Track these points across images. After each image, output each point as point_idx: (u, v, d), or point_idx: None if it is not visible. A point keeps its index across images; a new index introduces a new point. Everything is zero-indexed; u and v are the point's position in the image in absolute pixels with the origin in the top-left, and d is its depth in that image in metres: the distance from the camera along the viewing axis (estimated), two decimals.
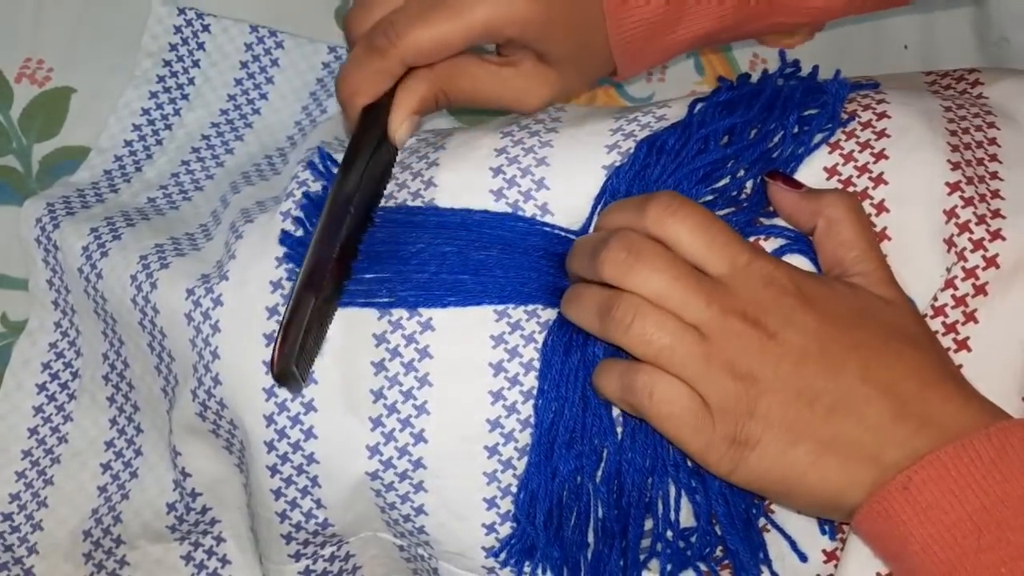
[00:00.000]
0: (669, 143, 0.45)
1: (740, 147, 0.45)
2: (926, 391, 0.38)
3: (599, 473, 0.44)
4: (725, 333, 0.39)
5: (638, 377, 0.40)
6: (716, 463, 0.39)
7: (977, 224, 0.43)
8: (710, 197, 0.45)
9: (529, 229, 0.46)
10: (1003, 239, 0.43)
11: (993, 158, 0.45)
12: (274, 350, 0.43)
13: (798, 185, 0.43)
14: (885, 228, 0.43)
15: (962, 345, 0.42)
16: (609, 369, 0.41)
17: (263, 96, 0.64)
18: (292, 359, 0.43)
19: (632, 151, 0.46)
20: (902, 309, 0.41)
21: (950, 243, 0.43)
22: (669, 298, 0.39)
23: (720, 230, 0.40)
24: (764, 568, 0.44)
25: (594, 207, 0.46)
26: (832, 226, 0.42)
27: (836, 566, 0.43)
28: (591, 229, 0.46)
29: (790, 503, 0.42)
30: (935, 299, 0.43)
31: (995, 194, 0.44)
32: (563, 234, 0.46)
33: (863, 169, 0.44)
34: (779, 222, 0.44)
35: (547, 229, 0.46)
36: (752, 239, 0.44)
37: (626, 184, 0.45)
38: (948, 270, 0.43)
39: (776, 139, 0.45)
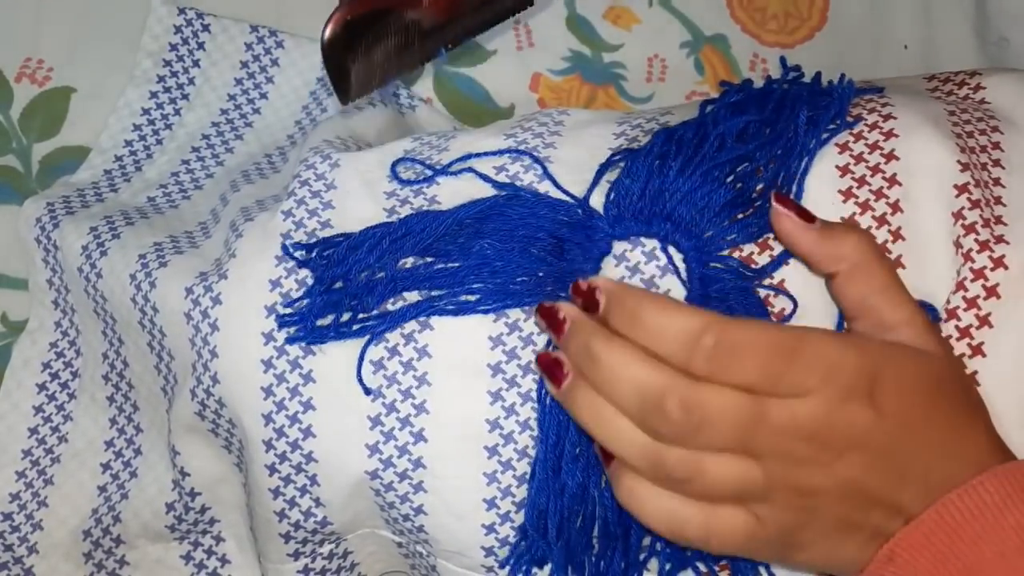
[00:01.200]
0: (687, 136, 0.45)
1: (758, 145, 0.45)
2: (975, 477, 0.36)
3: (603, 479, 0.44)
4: (790, 461, 0.35)
5: (690, 529, 0.36)
6: (761, 559, 0.39)
7: (983, 227, 0.43)
8: (729, 196, 0.44)
9: (530, 211, 0.45)
10: (1007, 243, 0.43)
11: (996, 163, 0.45)
12: (332, 14, 0.39)
13: (810, 217, 0.40)
14: (900, 228, 0.43)
15: (977, 351, 0.42)
16: (649, 501, 0.37)
17: (263, 96, 0.64)
18: (347, 34, 0.39)
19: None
20: (955, 367, 0.39)
21: (957, 244, 0.43)
22: (734, 447, 0.35)
23: (788, 358, 0.35)
24: (762, 569, 0.44)
25: (599, 173, 0.46)
26: (860, 271, 0.39)
27: None
28: (598, 206, 0.45)
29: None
30: (947, 302, 0.43)
31: (997, 200, 0.44)
32: (565, 216, 0.45)
33: (875, 169, 0.44)
34: None
35: (549, 204, 0.45)
36: (763, 238, 0.44)
37: (645, 173, 0.44)
38: (958, 272, 0.43)
39: (788, 136, 0.45)
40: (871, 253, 0.39)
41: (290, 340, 0.45)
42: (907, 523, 0.36)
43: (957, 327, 0.42)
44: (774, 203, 0.40)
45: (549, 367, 0.39)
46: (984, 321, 0.42)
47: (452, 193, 0.47)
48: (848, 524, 0.37)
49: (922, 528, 0.36)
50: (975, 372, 0.42)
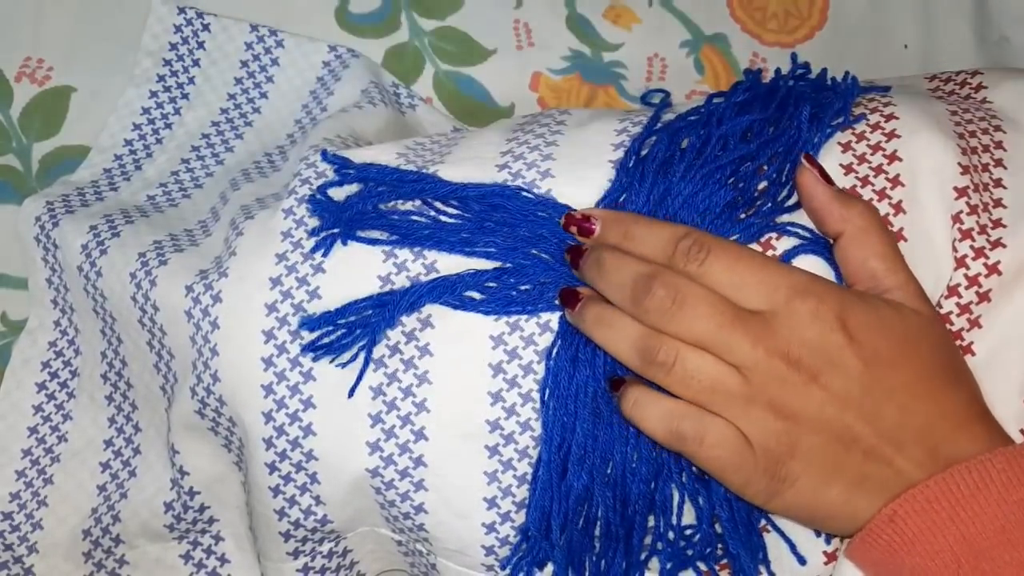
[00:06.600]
0: (691, 139, 0.45)
1: (761, 143, 0.45)
2: (957, 433, 0.38)
3: (606, 479, 0.43)
4: (768, 375, 0.38)
5: (686, 424, 0.39)
6: (753, 496, 0.40)
7: (979, 233, 0.43)
8: (731, 197, 0.44)
9: (531, 209, 0.45)
10: (1004, 247, 0.43)
11: (998, 163, 0.45)
12: None
13: (829, 181, 0.42)
14: (902, 229, 0.43)
15: (966, 350, 0.42)
16: (650, 406, 0.41)
17: (263, 95, 0.64)
18: None
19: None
20: (939, 329, 0.41)
21: (953, 248, 0.43)
22: (713, 344, 0.39)
23: (755, 268, 0.39)
24: (763, 569, 0.44)
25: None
26: (862, 236, 0.41)
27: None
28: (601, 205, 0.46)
29: (816, 528, 0.43)
30: (939, 305, 0.43)
31: (997, 203, 0.44)
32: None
33: (878, 170, 0.44)
34: (796, 219, 0.44)
35: (553, 206, 0.45)
36: (766, 237, 0.44)
37: (650, 178, 0.45)
38: (951, 277, 0.43)
39: (791, 133, 0.45)
40: (875, 221, 0.41)
41: (305, 348, 0.46)
42: (899, 480, 0.38)
43: (948, 329, 0.43)
44: (802, 160, 0.43)
45: (567, 297, 0.43)
46: (974, 323, 0.43)
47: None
48: (831, 461, 0.39)
49: (926, 494, 0.37)
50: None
